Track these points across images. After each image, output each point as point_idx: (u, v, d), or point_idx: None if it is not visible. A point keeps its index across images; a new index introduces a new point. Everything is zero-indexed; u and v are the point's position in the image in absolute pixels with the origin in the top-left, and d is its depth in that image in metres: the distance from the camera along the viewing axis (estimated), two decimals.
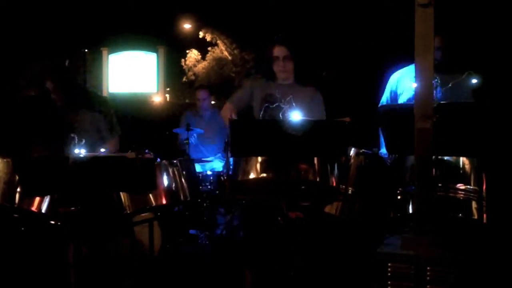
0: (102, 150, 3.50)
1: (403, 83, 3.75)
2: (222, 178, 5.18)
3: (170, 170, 3.31)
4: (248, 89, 3.69)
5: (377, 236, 2.70)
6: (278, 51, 3.58)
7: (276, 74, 3.62)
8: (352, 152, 3.24)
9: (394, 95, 3.79)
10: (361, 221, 3.30)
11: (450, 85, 3.61)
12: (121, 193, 3.09)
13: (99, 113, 3.71)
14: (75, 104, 3.66)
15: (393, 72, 3.85)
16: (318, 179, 2.99)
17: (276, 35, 3.65)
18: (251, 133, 2.77)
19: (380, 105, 3.88)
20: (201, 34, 9.82)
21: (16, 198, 2.98)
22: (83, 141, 3.55)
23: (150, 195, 3.18)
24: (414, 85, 2.65)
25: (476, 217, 2.83)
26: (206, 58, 10.06)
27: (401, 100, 3.71)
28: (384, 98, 3.87)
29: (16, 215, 3.12)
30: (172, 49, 10.60)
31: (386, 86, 3.86)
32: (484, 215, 2.78)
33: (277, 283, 3.20)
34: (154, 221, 3.41)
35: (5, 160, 3.01)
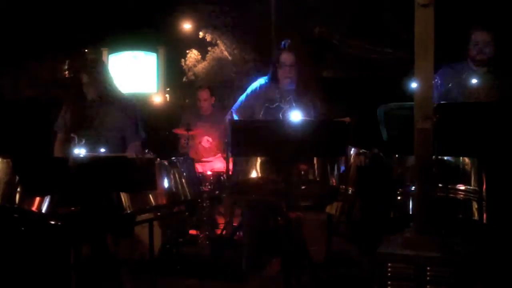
0: (102, 150, 3.49)
1: None
2: (222, 178, 5.17)
3: (170, 170, 3.31)
4: (251, 97, 3.68)
5: (377, 236, 2.70)
6: (286, 57, 3.59)
7: (279, 80, 3.64)
8: (352, 152, 3.24)
9: None
10: (361, 221, 3.30)
11: (450, 85, 3.62)
12: (121, 193, 3.09)
13: (125, 113, 3.69)
14: (104, 100, 3.65)
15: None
16: (318, 179, 2.99)
17: (284, 41, 3.66)
18: (251, 133, 2.77)
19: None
20: (201, 34, 9.80)
21: (16, 198, 2.98)
22: (83, 141, 3.54)
23: (150, 195, 3.17)
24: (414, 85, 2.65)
25: (476, 217, 2.83)
26: (206, 58, 10.04)
27: None
28: None
29: (16, 215, 3.11)
30: (172, 49, 10.59)
31: None
32: (484, 215, 2.78)
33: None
34: (154, 221, 3.41)
35: (5, 160, 3.01)
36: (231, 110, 3.75)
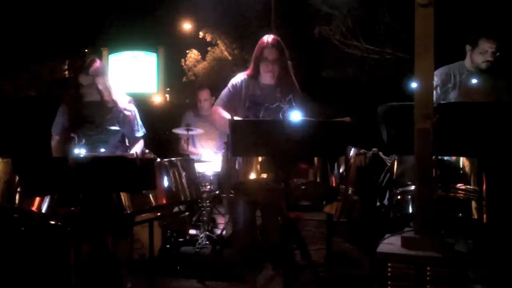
0: (102, 150, 3.50)
1: None
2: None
3: (170, 170, 3.31)
4: (234, 92, 3.68)
5: (377, 236, 2.70)
6: (269, 52, 3.59)
7: (260, 74, 3.64)
8: (352, 152, 3.24)
9: None
10: (361, 221, 3.30)
11: (449, 85, 3.62)
12: (121, 193, 3.09)
13: (124, 113, 3.69)
14: (103, 100, 3.64)
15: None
16: (318, 179, 2.99)
17: (267, 36, 3.65)
18: (251, 133, 2.77)
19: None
20: (201, 34, 9.80)
21: (16, 198, 2.98)
22: (83, 141, 3.54)
23: (150, 195, 3.18)
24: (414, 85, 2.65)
25: (476, 217, 2.83)
26: (206, 58, 10.05)
27: None
28: None
29: (16, 215, 3.11)
30: (172, 49, 10.60)
31: None
32: (484, 215, 2.78)
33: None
34: (154, 221, 3.41)
35: (5, 160, 3.01)
36: (217, 106, 3.74)
